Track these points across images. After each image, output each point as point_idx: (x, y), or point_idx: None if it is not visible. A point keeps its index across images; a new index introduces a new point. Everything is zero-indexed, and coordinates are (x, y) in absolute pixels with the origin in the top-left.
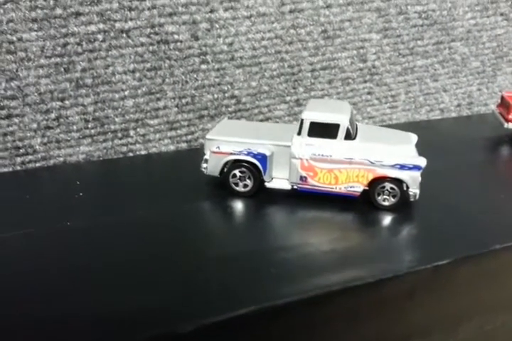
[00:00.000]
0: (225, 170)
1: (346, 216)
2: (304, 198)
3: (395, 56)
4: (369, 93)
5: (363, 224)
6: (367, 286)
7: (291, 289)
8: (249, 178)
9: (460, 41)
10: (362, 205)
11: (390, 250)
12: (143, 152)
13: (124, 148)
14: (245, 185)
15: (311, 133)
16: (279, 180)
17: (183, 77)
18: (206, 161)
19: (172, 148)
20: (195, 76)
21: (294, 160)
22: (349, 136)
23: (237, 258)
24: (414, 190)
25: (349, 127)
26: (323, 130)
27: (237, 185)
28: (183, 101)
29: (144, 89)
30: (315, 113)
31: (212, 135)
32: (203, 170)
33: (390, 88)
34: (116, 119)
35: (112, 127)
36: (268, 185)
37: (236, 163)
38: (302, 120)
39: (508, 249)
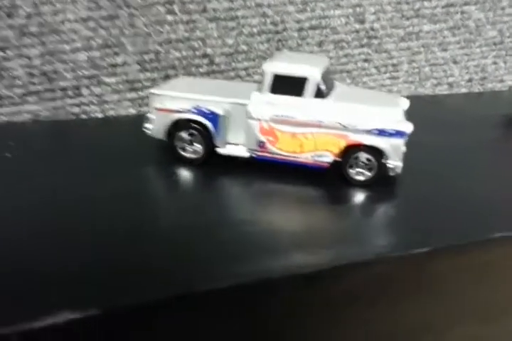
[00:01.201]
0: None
1: (312, 191)
2: (264, 168)
3: (398, 18)
4: (366, 60)
5: (330, 201)
6: (319, 275)
7: (229, 270)
8: (199, 142)
9: (475, 5)
10: (332, 179)
11: (358, 233)
12: (98, 114)
13: (77, 109)
14: (195, 151)
15: (274, 89)
16: (235, 146)
17: (145, 28)
18: (150, 120)
19: (133, 111)
20: (159, 28)
21: (252, 121)
22: (320, 93)
23: (175, 233)
24: (394, 163)
25: (320, 83)
26: (289, 85)
27: (185, 150)
28: (146, 57)
29: (98, 42)
30: (279, 64)
31: (158, 89)
32: (146, 131)
33: (390, 55)
34: (67, 75)
35: (62, 84)
36: (221, 151)
37: (184, 124)
38: (263, 72)
39: (506, 240)
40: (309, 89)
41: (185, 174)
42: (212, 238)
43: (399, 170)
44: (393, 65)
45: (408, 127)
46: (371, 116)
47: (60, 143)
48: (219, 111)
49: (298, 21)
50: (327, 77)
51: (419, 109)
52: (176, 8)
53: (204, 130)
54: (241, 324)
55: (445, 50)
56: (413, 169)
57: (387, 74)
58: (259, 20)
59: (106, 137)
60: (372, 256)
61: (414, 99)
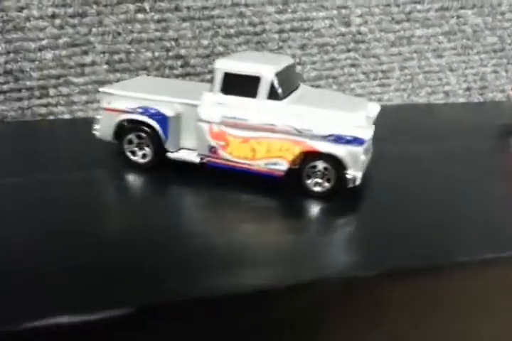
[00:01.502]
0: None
1: (266, 202)
2: (217, 175)
3: (387, 21)
4: (353, 65)
5: (285, 214)
6: (251, 295)
7: (165, 286)
8: (148, 146)
9: (472, 9)
10: (289, 189)
11: (309, 251)
12: (66, 115)
13: (44, 110)
14: (144, 155)
15: (226, 89)
16: (187, 151)
17: (114, 27)
18: (97, 121)
19: None
20: (129, 27)
21: (202, 123)
22: (274, 95)
23: (118, 241)
24: (353, 173)
25: (275, 83)
26: (241, 85)
27: (134, 154)
28: (115, 57)
29: (66, 40)
30: (231, 61)
31: (108, 88)
32: (95, 132)
33: (380, 61)
34: (33, 74)
35: (28, 83)
36: (171, 156)
37: (131, 125)
38: (214, 70)
39: (467, 265)
40: (262, 89)
41: (133, 179)
42: (154, 249)
43: (358, 182)
44: (383, 72)
45: (365, 133)
46: (328, 121)
47: (22, 144)
48: (168, 112)
49: (278, 22)
50: (287, 78)
51: (410, 117)
52: (146, 5)
53: (153, 132)
54: None
55: (440, 56)
56: (383, 181)
57: (377, 81)
58: (237, 21)
59: (67, 139)
60: (318, 276)
61: (408, 107)
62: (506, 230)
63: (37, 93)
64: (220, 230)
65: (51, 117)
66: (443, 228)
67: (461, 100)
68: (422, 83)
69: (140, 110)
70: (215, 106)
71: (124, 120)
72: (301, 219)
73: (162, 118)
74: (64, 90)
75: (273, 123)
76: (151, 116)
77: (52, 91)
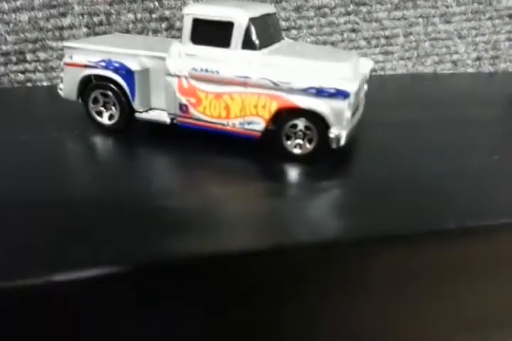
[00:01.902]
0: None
1: (241, 165)
2: (189, 137)
3: None
4: (353, 30)
5: (261, 178)
6: (225, 259)
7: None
8: (114, 105)
9: None
10: (266, 151)
11: (283, 216)
12: (45, 83)
13: (21, 77)
14: (111, 116)
15: (196, 38)
16: (158, 111)
17: None
18: (61, 79)
19: None
20: None
21: (170, 78)
22: (250, 43)
23: (86, 204)
24: (337, 131)
25: (251, 29)
26: (213, 33)
27: (101, 114)
28: (95, 19)
29: (41, 0)
30: (202, 6)
31: (72, 42)
32: (59, 91)
33: (382, 26)
34: (8, 38)
35: (4, 48)
36: (139, 116)
37: (97, 83)
38: (183, 17)
39: (470, 232)
40: (236, 37)
41: (100, 142)
42: (122, 211)
43: (343, 141)
44: (386, 37)
45: (351, 85)
46: (308, 73)
47: None
48: (134, 66)
49: None
50: (265, 27)
51: (414, 87)
52: None
53: (119, 90)
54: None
55: (448, 21)
56: (373, 144)
57: (379, 48)
58: None
59: (43, 104)
60: (296, 242)
61: (413, 77)
62: (495, 201)
63: (13, 58)
64: (193, 193)
65: (29, 84)
66: (432, 194)
67: (471, 70)
68: (428, 51)
69: (103, 64)
70: (184, 57)
71: (87, 76)
72: (279, 183)
73: (127, 73)
74: (42, 55)
75: (247, 75)
76: (116, 70)
77: (29, 57)
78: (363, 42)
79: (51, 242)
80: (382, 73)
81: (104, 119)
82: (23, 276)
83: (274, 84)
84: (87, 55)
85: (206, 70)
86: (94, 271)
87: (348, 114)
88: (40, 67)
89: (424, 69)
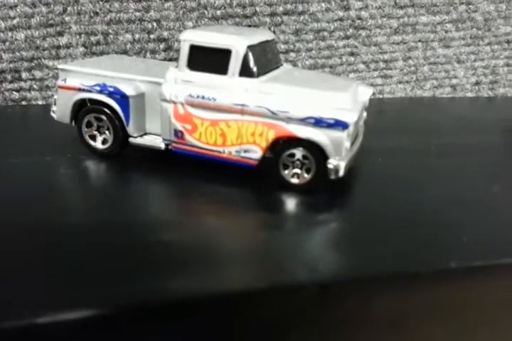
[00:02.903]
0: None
1: (236, 194)
2: (184, 164)
3: (390, 6)
4: (352, 54)
5: (257, 208)
6: (216, 301)
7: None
8: (108, 129)
9: None
10: (263, 181)
11: (283, 252)
12: (40, 101)
13: (16, 95)
14: (105, 140)
15: (193, 65)
16: (153, 136)
17: (91, 6)
18: (55, 101)
19: None
20: (107, 6)
21: (165, 104)
22: (247, 71)
23: (75, 234)
24: (335, 162)
25: (248, 57)
26: (210, 60)
27: (94, 138)
28: (92, 39)
29: (38, 19)
30: (199, 32)
31: (66, 65)
32: (52, 114)
33: (381, 49)
34: (4, 56)
35: None
36: (133, 141)
37: (91, 106)
38: (180, 43)
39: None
40: (233, 64)
41: (93, 167)
42: (112, 245)
43: (342, 172)
44: (385, 61)
45: (350, 116)
46: (307, 102)
47: None
48: (129, 90)
49: (270, 4)
50: (263, 54)
51: (412, 112)
52: None
53: (113, 114)
54: None
55: (447, 46)
56: (373, 174)
57: (378, 72)
58: (224, 2)
59: (37, 125)
60: (293, 281)
61: (411, 101)
62: (503, 237)
63: (8, 76)
64: (185, 225)
65: (24, 103)
66: (437, 229)
67: (469, 95)
68: (426, 75)
69: (97, 88)
70: (180, 83)
71: (80, 99)
72: (276, 215)
73: (122, 98)
74: (37, 74)
75: (244, 103)
76: (110, 95)
77: (24, 75)
78: (361, 66)
79: (32, 280)
80: (380, 96)
81: (98, 143)
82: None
83: (272, 112)
84: (81, 78)
85: (203, 97)
86: (79, 313)
87: (347, 144)
88: (35, 86)
89: (422, 93)
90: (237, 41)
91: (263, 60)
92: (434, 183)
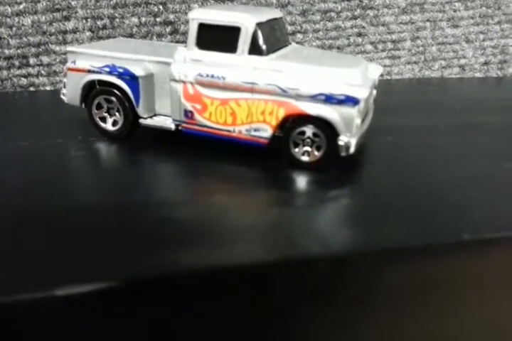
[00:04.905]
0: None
1: (247, 173)
2: (194, 144)
3: None
4: (360, 34)
5: (268, 186)
6: (229, 274)
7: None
8: (118, 111)
9: None
10: (273, 159)
11: (295, 227)
12: (48, 87)
13: (24, 81)
14: (115, 122)
15: (202, 44)
16: (163, 117)
17: None
18: (64, 84)
19: None
20: None
21: (175, 84)
22: (257, 49)
23: (87, 212)
24: (346, 139)
25: (257, 34)
26: (219, 38)
27: (104, 120)
28: (99, 23)
29: (45, 4)
30: (208, 11)
31: (75, 47)
32: (62, 97)
33: (389, 30)
34: (11, 42)
35: (7, 52)
36: (143, 122)
37: (100, 87)
38: (189, 21)
39: (485, 243)
40: (242, 42)
41: (104, 148)
42: (124, 221)
43: (352, 149)
44: (393, 42)
45: (361, 92)
46: (317, 79)
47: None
48: (138, 71)
49: None
50: (272, 32)
51: (421, 92)
52: None
53: (122, 95)
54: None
55: (456, 26)
56: (383, 152)
57: (386, 53)
58: None
59: (44, 110)
60: (305, 254)
61: (420, 81)
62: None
63: (16, 62)
64: (197, 203)
65: (32, 89)
66: (448, 204)
67: (478, 75)
68: (435, 55)
69: (106, 69)
70: (189, 63)
71: (90, 81)
72: (287, 192)
73: (132, 79)
74: (45, 59)
75: (254, 81)
76: (120, 76)
77: (32, 61)
78: (369, 47)
79: (49, 254)
80: (388, 78)
81: (108, 125)
82: (22, 290)
83: (282, 90)
84: (90, 60)
85: (212, 76)
86: (94, 285)
87: (357, 121)
88: (43, 72)
89: (431, 74)
90: (246, 19)
91: (272, 38)
92: (444, 161)
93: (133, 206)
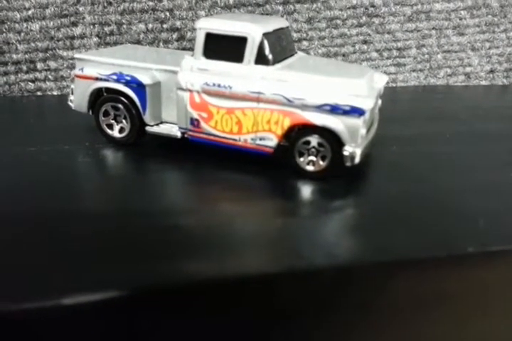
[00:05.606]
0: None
1: (252, 181)
2: (200, 152)
3: None
4: (365, 42)
5: (272, 195)
6: (232, 284)
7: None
8: (125, 118)
9: None
10: (278, 168)
11: (299, 238)
12: (55, 92)
13: (32, 85)
14: (122, 129)
15: (209, 53)
16: (169, 124)
17: None
18: (72, 91)
19: None
20: None
21: (181, 92)
22: (263, 58)
23: (90, 220)
24: (351, 149)
25: (264, 44)
26: (226, 48)
27: (111, 127)
28: (106, 29)
29: (53, 10)
30: (215, 21)
31: (83, 54)
32: (70, 103)
33: (395, 37)
34: (19, 47)
35: (15, 57)
36: (150, 130)
37: (108, 95)
38: (196, 31)
39: (490, 256)
40: (249, 52)
41: (111, 155)
42: (130, 230)
43: (357, 160)
44: (398, 49)
45: (366, 103)
46: (323, 89)
47: (5, 120)
48: (145, 79)
49: None
50: (278, 42)
51: (426, 100)
52: None
53: (130, 103)
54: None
55: (461, 34)
56: (388, 162)
57: (392, 60)
58: None
59: (53, 114)
60: (309, 265)
61: (425, 89)
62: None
63: (24, 67)
64: (202, 211)
65: (39, 93)
66: (453, 215)
67: (484, 83)
68: (440, 63)
69: (114, 77)
70: (196, 72)
71: (97, 88)
72: (292, 201)
73: (139, 87)
74: (52, 64)
75: (260, 91)
76: (127, 83)
77: (39, 66)
78: (374, 54)
79: (53, 263)
80: (394, 85)
81: (115, 132)
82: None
83: (288, 100)
84: (98, 67)
85: (218, 85)
86: (99, 294)
87: (363, 131)
88: (50, 76)
89: (436, 82)
90: (252, 29)
91: (278, 48)
92: (450, 170)
93: (139, 213)
